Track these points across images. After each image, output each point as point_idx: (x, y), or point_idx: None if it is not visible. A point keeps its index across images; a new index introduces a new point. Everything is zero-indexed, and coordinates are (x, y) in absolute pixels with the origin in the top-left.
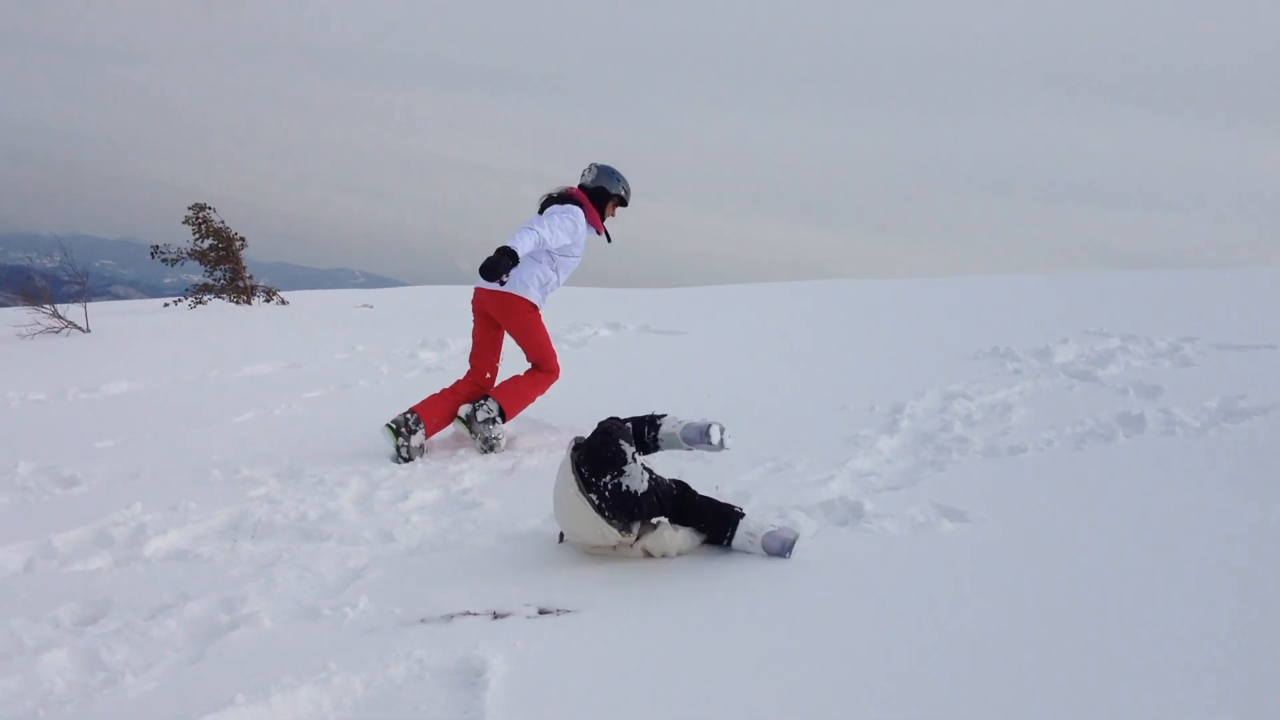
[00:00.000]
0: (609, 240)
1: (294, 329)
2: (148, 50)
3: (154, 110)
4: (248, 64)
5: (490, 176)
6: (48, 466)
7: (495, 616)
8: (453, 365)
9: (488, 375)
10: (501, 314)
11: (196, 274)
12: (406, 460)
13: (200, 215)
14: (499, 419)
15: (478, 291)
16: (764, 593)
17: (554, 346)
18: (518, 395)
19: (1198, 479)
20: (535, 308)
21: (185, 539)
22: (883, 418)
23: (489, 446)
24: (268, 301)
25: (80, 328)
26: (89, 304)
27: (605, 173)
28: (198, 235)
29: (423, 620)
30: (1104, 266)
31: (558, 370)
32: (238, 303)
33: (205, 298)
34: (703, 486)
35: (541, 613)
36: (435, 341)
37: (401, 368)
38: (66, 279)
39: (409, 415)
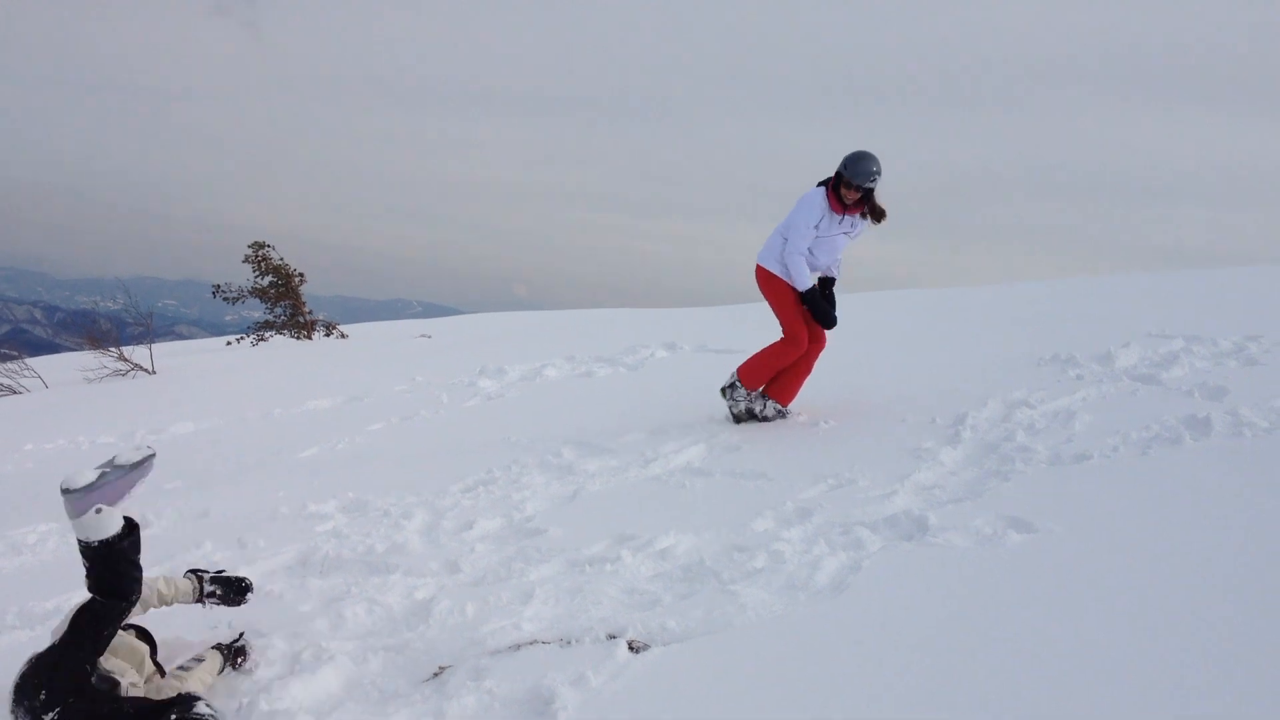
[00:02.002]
0: (868, 218)
1: (354, 362)
2: (201, 88)
3: (210, 148)
4: (298, 97)
5: (543, 199)
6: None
7: (564, 644)
8: (512, 393)
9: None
10: (760, 287)
11: (258, 310)
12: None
13: (260, 253)
14: (736, 384)
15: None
16: (835, 614)
17: (797, 316)
18: (756, 364)
19: (1268, 481)
20: (774, 276)
21: (255, 576)
22: (944, 429)
23: (732, 414)
24: (328, 335)
25: (146, 369)
26: (154, 345)
27: (844, 160)
28: (258, 273)
29: (491, 651)
30: (1165, 266)
31: (802, 341)
32: (299, 338)
33: (267, 334)
34: (761, 505)
35: (610, 638)
36: (494, 369)
37: (461, 397)
38: (131, 321)
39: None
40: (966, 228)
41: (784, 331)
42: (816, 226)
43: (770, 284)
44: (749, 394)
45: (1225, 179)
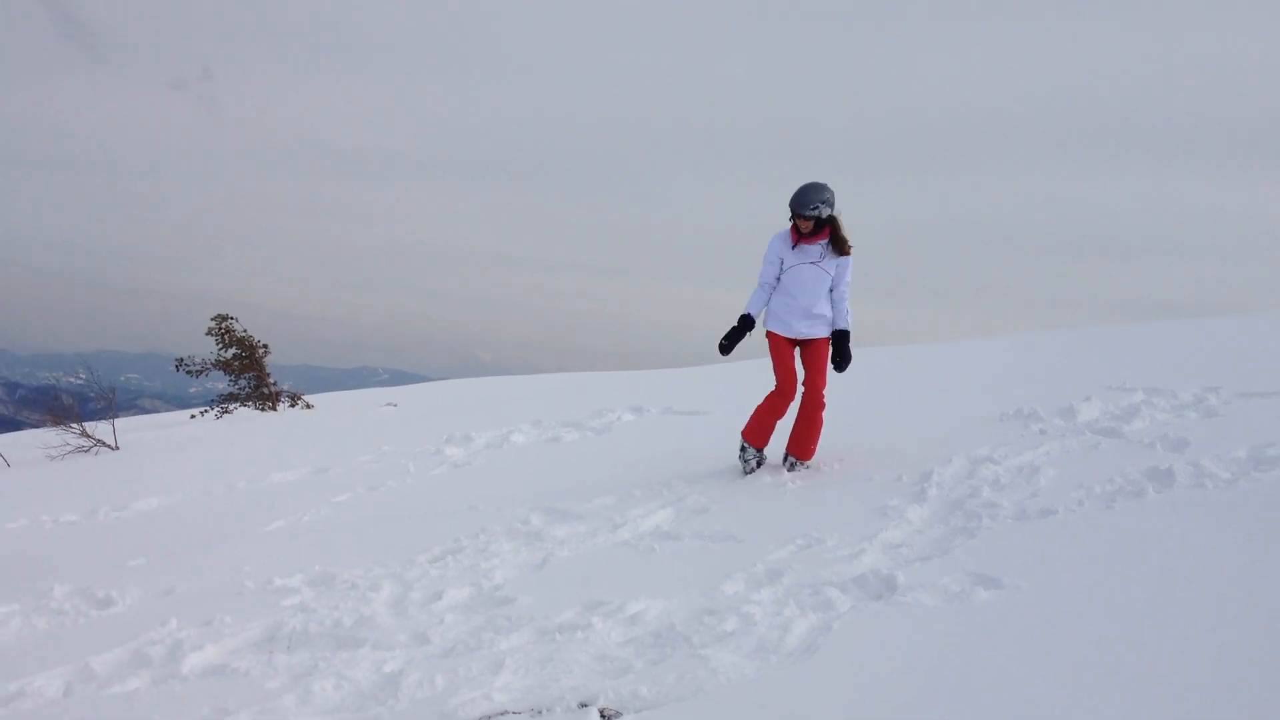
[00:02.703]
0: (833, 246)
1: (320, 433)
2: (159, 162)
3: (169, 222)
4: (256, 169)
5: (503, 264)
6: (82, 588)
7: (535, 714)
8: (479, 460)
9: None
10: None
11: (222, 383)
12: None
13: (223, 326)
14: (744, 445)
15: None
16: (806, 677)
17: (783, 365)
18: (755, 421)
19: (1231, 531)
20: (768, 332)
21: (222, 653)
22: (910, 486)
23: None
24: (293, 406)
25: (109, 445)
26: (117, 420)
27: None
28: (221, 345)
29: None
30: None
31: (780, 386)
32: (264, 409)
33: (231, 406)
34: (731, 568)
35: (582, 706)
36: (460, 437)
37: (428, 465)
38: (93, 396)
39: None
40: (919, 285)
41: (775, 382)
42: (782, 260)
43: (767, 336)
44: (758, 451)
45: (1177, 231)
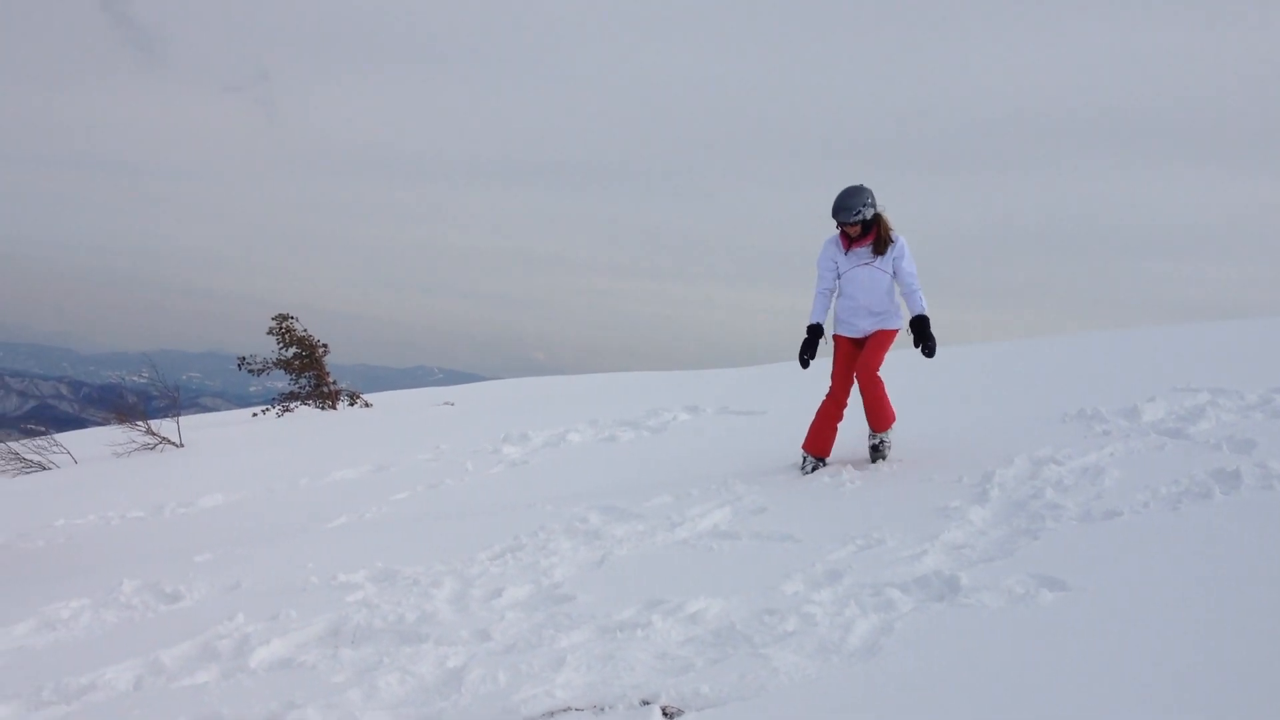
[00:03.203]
0: (875, 251)
1: (379, 432)
2: (217, 166)
3: (228, 223)
4: (312, 171)
5: (557, 266)
6: (151, 583)
7: (597, 711)
8: (536, 459)
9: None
10: None
11: (282, 381)
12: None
13: (284, 325)
14: (804, 456)
15: None
16: (869, 677)
17: (839, 370)
18: (812, 431)
19: None
20: (835, 335)
21: (288, 648)
22: (972, 487)
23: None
24: (352, 405)
25: (174, 443)
26: (180, 418)
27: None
28: (282, 345)
29: (524, 719)
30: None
31: (832, 390)
32: (323, 408)
33: (292, 405)
34: (790, 568)
35: (644, 703)
36: (517, 436)
37: (486, 464)
38: (157, 395)
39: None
40: (975, 286)
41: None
42: (837, 264)
43: (834, 339)
44: (819, 460)
45: (1241, 230)
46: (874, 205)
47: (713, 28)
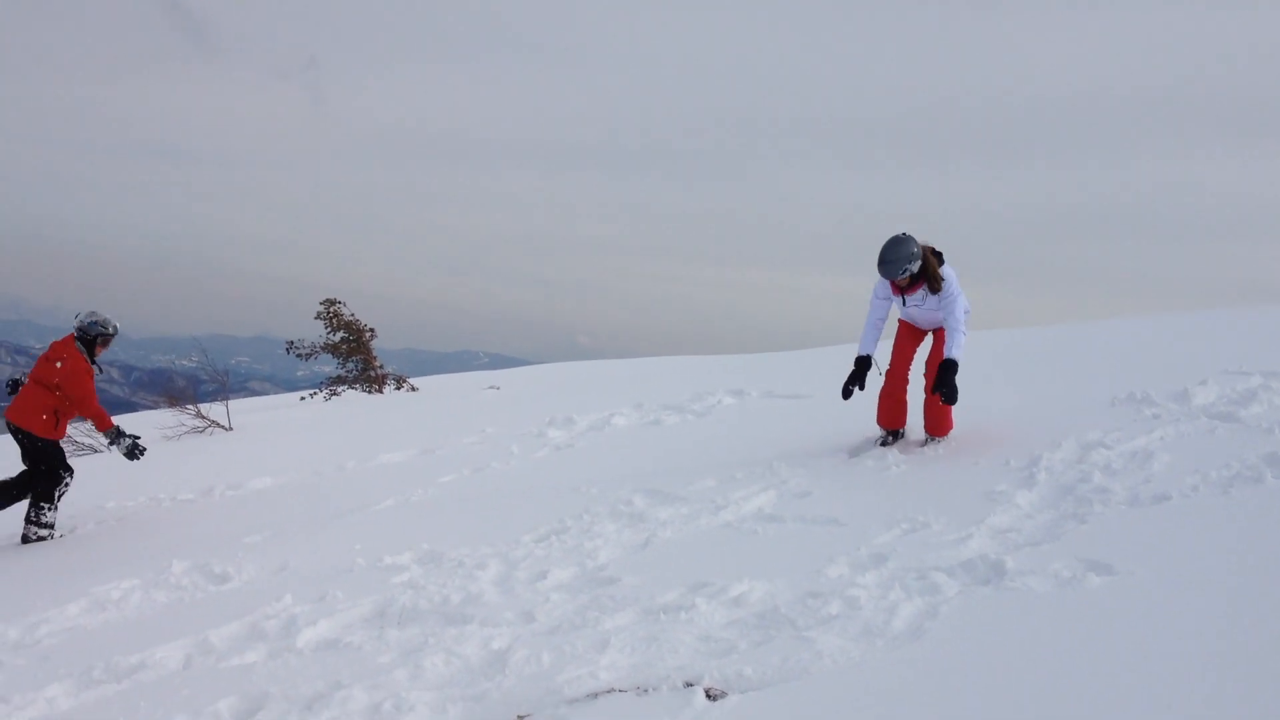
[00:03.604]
0: (930, 292)
1: (425, 415)
2: (267, 152)
3: (277, 209)
4: (359, 157)
5: (602, 250)
6: (200, 564)
7: (641, 692)
8: (581, 442)
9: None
10: None
11: (329, 366)
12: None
13: (332, 310)
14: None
15: None
16: (913, 661)
17: (899, 347)
18: (878, 406)
19: None
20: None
21: (335, 628)
22: (1019, 471)
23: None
24: (398, 389)
25: (223, 426)
26: (229, 401)
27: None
28: (330, 329)
29: (569, 700)
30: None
31: (891, 364)
32: (370, 392)
33: (339, 389)
34: (834, 551)
35: (687, 686)
36: (563, 419)
37: (531, 447)
38: (206, 379)
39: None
40: (1031, 269)
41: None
42: (889, 301)
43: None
44: (895, 433)
45: None
46: (918, 256)
47: (762, 12)
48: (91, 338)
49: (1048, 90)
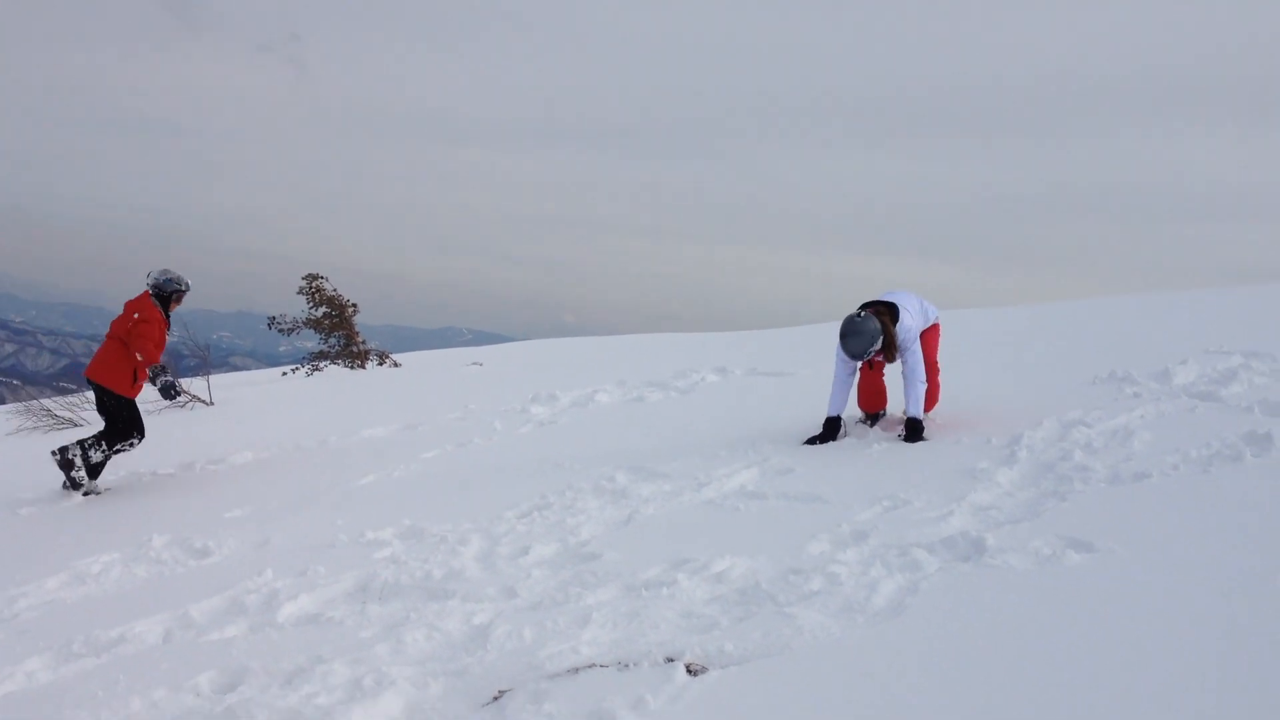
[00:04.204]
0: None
1: (408, 391)
2: (250, 126)
3: (259, 183)
4: (342, 131)
5: (587, 227)
6: (181, 539)
7: (622, 667)
8: (564, 419)
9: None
10: None
11: (311, 341)
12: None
13: (314, 285)
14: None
15: None
16: (893, 637)
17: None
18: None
19: None
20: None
21: (316, 603)
22: (1000, 449)
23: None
24: (381, 365)
25: (204, 401)
26: (211, 376)
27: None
28: (312, 304)
29: (550, 674)
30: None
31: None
32: (353, 368)
33: (322, 364)
34: (816, 528)
35: (668, 661)
36: (546, 396)
37: (514, 423)
38: (188, 353)
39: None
40: (1011, 248)
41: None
42: (852, 363)
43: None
44: (876, 415)
45: (1275, 193)
46: (879, 332)
47: None
48: (167, 294)
49: (1028, 71)
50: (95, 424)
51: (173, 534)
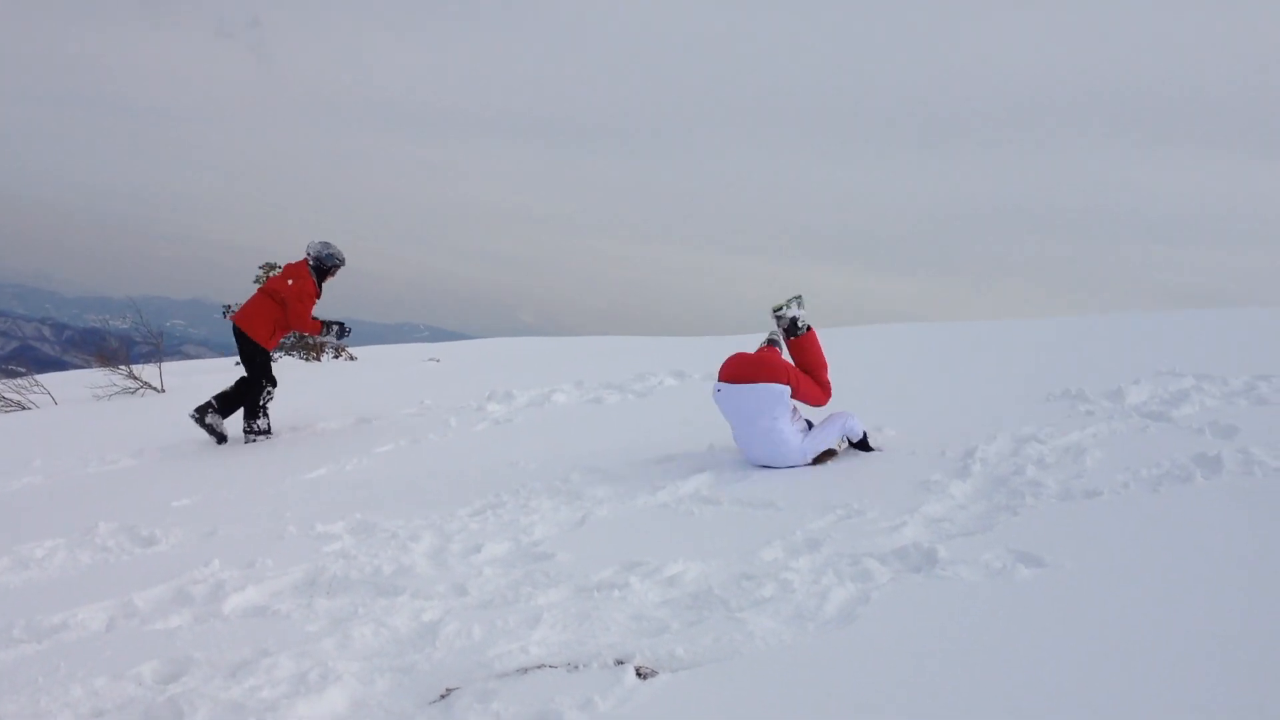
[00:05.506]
0: None
1: (363, 385)
2: (208, 111)
3: (216, 170)
4: (302, 119)
5: (548, 226)
6: (127, 526)
7: (571, 669)
8: (520, 418)
9: None
10: None
11: None
12: None
13: (269, 275)
14: None
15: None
16: (843, 645)
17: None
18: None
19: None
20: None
21: (263, 595)
22: (954, 462)
23: None
24: (336, 358)
25: (155, 388)
26: (163, 364)
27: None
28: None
29: (498, 674)
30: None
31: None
32: (308, 359)
33: (276, 355)
34: (769, 535)
35: (618, 663)
36: (502, 394)
37: (469, 421)
38: (140, 340)
39: None
40: (968, 264)
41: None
42: None
43: None
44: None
45: (1230, 220)
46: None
47: None
48: (326, 267)
49: (990, 86)
50: (46, 407)
51: (119, 521)
